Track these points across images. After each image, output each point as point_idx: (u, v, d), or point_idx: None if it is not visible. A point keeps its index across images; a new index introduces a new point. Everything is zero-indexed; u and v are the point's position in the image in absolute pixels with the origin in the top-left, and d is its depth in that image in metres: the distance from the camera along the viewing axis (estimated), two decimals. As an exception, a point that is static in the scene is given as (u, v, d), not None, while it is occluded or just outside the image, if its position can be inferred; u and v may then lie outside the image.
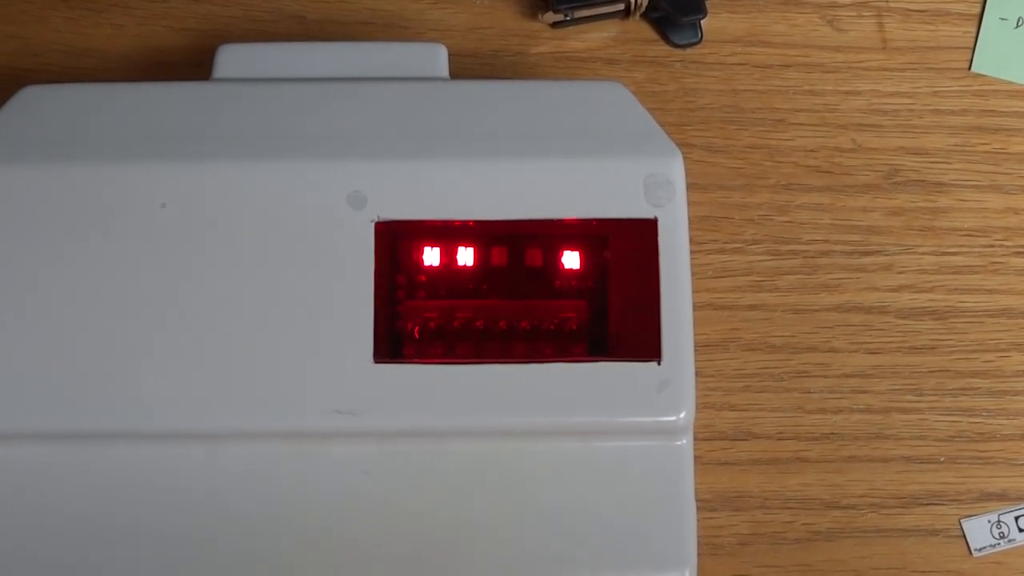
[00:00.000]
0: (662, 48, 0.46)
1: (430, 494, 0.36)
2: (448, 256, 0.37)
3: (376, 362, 0.36)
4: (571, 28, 0.46)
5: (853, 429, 0.43)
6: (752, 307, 0.44)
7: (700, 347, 0.42)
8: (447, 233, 0.37)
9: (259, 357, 0.36)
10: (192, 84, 0.39)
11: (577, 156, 0.38)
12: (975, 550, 0.42)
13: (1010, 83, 0.45)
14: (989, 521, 0.42)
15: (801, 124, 0.45)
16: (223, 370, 0.36)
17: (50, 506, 0.35)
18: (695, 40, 0.46)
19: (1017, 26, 0.46)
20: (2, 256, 0.36)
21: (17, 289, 0.36)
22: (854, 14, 0.47)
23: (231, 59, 0.40)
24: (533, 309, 0.37)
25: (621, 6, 0.45)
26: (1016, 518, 0.42)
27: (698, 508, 0.37)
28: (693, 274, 0.39)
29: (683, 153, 0.38)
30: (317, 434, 0.36)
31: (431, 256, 0.37)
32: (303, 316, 0.36)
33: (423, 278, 0.37)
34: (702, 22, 0.46)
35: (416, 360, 0.36)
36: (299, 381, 0.36)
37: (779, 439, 0.43)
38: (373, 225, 0.37)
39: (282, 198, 0.37)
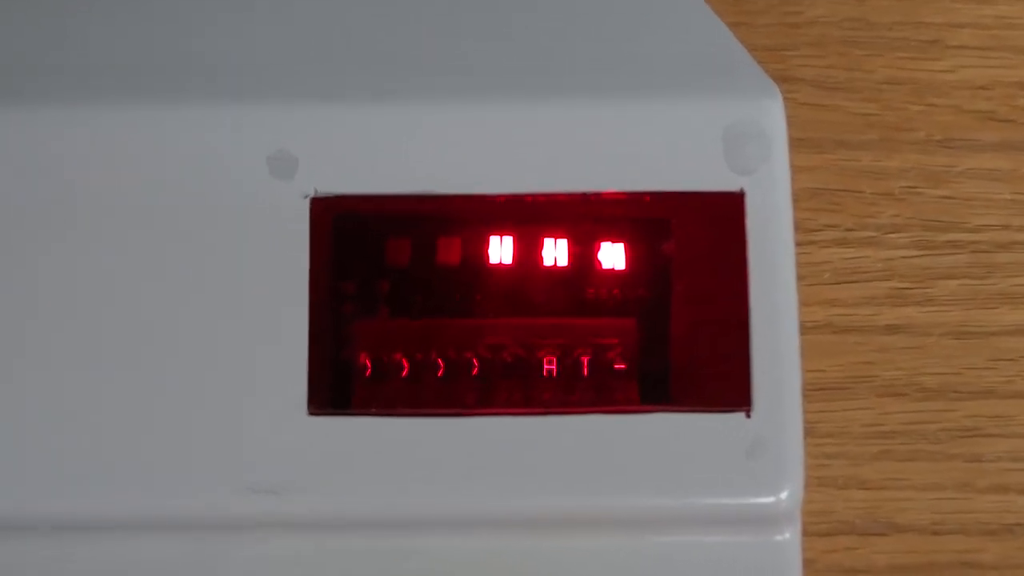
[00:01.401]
0: (751, -68, 0.46)
1: (395, 618, 0.36)
2: (423, 251, 0.37)
3: (311, 414, 0.36)
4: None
5: (1051, 517, 0.43)
6: (893, 328, 0.44)
7: (812, 390, 0.42)
8: (422, 215, 0.37)
9: (135, 408, 0.36)
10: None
11: (621, 96, 0.37)
12: None
13: None
14: None
15: (964, 47, 0.45)
16: (80, 428, 0.36)
17: None
18: (801, -80, 0.46)
19: None
20: None
21: None
22: None
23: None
24: (555, 332, 0.37)
25: None
26: None
27: (810, 639, 0.37)
28: (801, 278, 0.38)
29: (784, 92, 0.38)
30: (223, 524, 0.36)
31: (397, 251, 0.37)
32: (202, 345, 0.36)
33: (385, 285, 0.37)
34: None
35: (373, 411, 0.36)
36: (196, 444, 0.36)
37: (936, 533, 0.43)
38: (308, 203, 0.37)
39: (166, 161, 0.37)
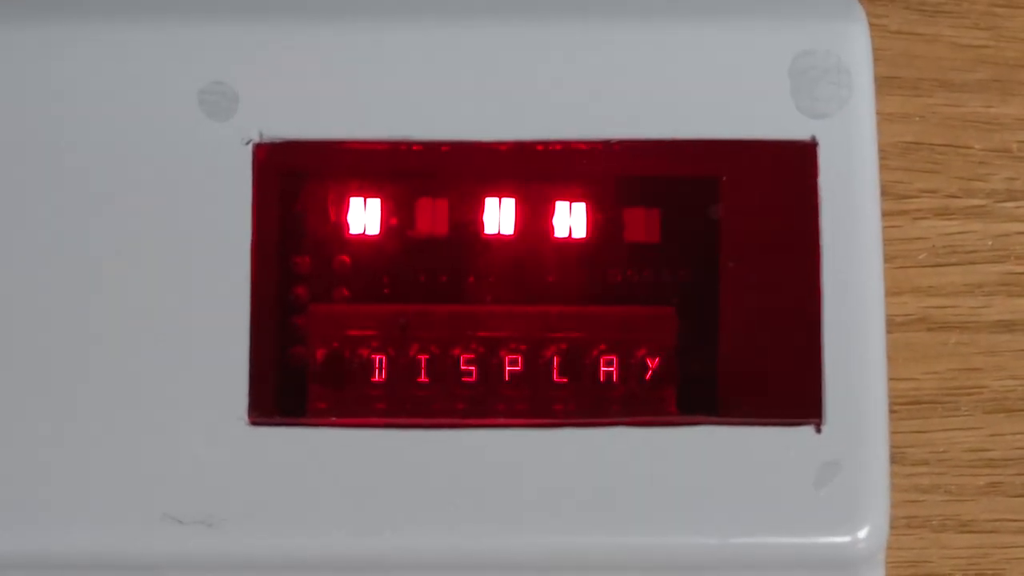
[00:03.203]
0: None
1: None
2: (398, 216, 0.38)
3: (253, 423, 0.36)
4: None
5: None
6: (1007, 325, 0.44)
7: (901, 404, 0.42)
8: (397, 169, 0.38)
9: (25, 416, 0.36)
10: None
11: (657, 16, 0.38)
12: None
13: None
14: None
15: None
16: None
17: None
18: None
19: None
20: None
21: None
22: None
23: None
24: (569, 324, 0.37)
25: None
26: None
27: None
28: (889, 259, 0.38)
29: (870, 15, 0.38)
30: (141, 564, 0.36)
31: (364, 216, 0.38)
32: (112, 336, 0.36)
33: (347, 259, 0.38)
34: None
35: (332, 421, 0.37)
36: (104, 462, 0.36)
37: (1060, 593, 0.43)
38: (250, 150, 0.37)
39: (66, 98, 0.37)
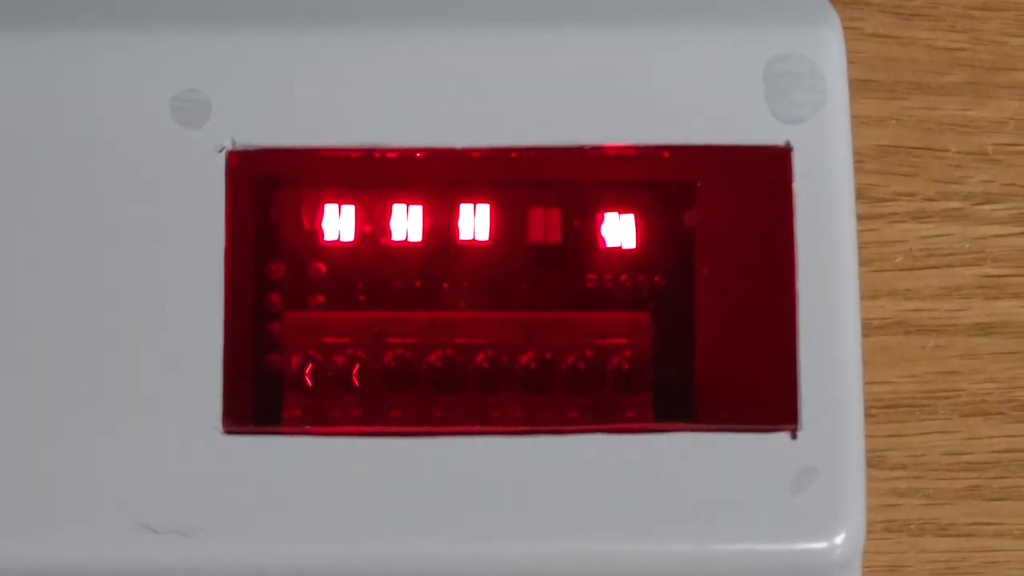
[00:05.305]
0: None
1: None
2: (371, 221, 0.38)
3: (228, 432, 0.36)
4: None
5: None
6: (984, 328, 0.44)
7: (877, 408, 0.42)
8: (371, 175, 0.38)
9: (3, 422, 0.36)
10: None
11: (631, 21, 0.38)
12: None
13: None
14: None
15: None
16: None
17: None
18: None
19: None
20: None
21: None
22: None
23: None
24: (544, 330, 0.38)
25: None
26: None
27: None
28: (865, 262, 0.39)
29: (844, 18, 0.38)
30: (112, 574, 0.36)
31: (339, 223, 0.38)
32: (84, 342, 0.37)
33: (322, 266, 0.38)
34: None
35: (308, 430, 0.37)
36: (76, 469, 0.36)
37: (1037, 596, 0.43)
38: (223, 157, 0.37)
39: (35, 105, 0.37)
